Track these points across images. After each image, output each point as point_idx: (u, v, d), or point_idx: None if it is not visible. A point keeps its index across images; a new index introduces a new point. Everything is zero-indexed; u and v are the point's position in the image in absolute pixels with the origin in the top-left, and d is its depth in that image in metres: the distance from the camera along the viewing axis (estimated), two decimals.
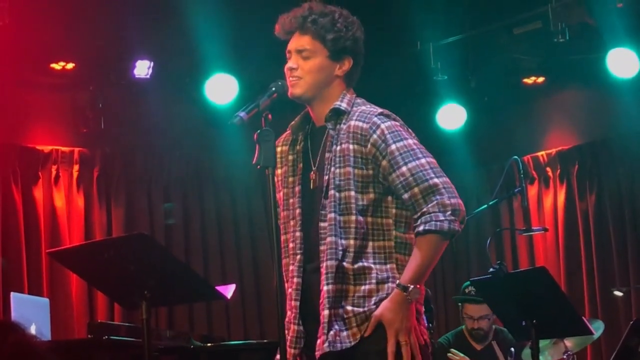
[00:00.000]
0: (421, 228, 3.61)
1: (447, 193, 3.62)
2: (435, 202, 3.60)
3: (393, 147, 3.64)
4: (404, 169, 3.63)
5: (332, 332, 3.64)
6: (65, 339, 6.51)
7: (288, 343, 3.72)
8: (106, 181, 8.11)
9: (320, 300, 3.66)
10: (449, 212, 3.60)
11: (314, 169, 3.78)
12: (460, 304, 7.18)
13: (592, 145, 8.61)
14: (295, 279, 3.73)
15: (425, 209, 3.61)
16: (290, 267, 3.75)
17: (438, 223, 3.59)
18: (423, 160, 3.65)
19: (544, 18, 7.41)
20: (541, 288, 5.14)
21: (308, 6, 3.78)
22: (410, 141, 3.68)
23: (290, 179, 3.82)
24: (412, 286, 3.58)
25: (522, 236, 8.73)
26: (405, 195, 3.63)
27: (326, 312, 3.64)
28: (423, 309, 3.77)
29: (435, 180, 3.63)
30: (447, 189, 3.63)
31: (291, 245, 3.76)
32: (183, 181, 8.47)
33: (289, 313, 3.75)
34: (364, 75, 3.86)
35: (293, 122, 3.88)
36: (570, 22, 7.33)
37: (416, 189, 3.62)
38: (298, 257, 3.73)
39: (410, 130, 3.75)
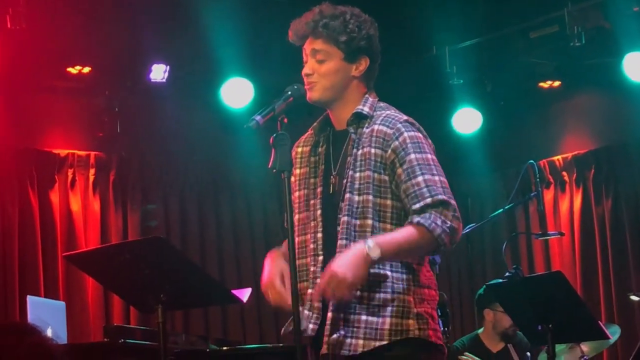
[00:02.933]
0: (415, 220, 3.57)
1: (452, 212, 3.58)
2: (441, 210, 3.57)
3: (412, 156, 3.62)
4: (420, 179, 3.60)
5: (334, 336, 3.60)
6: (81, 342, 6.52)
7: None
8: (122, 185, 8.12)
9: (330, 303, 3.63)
10: (447, 225, 3.56)
11: (334, 173, 3.75)
12: (492, 310, 6.96)
13: (608, 150, 8.58)
14: (318, 280, 3.66)
15: (429, 211, 3.57)
16: (312, 268, 3.71)
17: (433, 224, 3.54)
18: (437, 178, 3.62)
19: (560, 22, 7.39)
20: (557, 292, 5.14)
21: (319, 10, 3.75)
22: (429, 156, 3.66)
23: (312, 180, 3.79)
24: (374, 245, 3.48)
25: (538, 240, 8.70)
26: (416, 205, 3.59)
27: (330, 314, 3.61)
28: (436, 314, 3.73)
29: (446, 198, 3.59)
30: (454, 209, 3.60)
31: (312, 246, 3.73)
32: (198, 185, 8.48)
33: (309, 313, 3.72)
34: (379, 79, 3.85)
35: (315, 124, 3.87)
36: (586, 26, 7.31)
37: (429, 200, 3.58)
38: (320, 258, 3.69)
39: (431, 144, 3.72)
